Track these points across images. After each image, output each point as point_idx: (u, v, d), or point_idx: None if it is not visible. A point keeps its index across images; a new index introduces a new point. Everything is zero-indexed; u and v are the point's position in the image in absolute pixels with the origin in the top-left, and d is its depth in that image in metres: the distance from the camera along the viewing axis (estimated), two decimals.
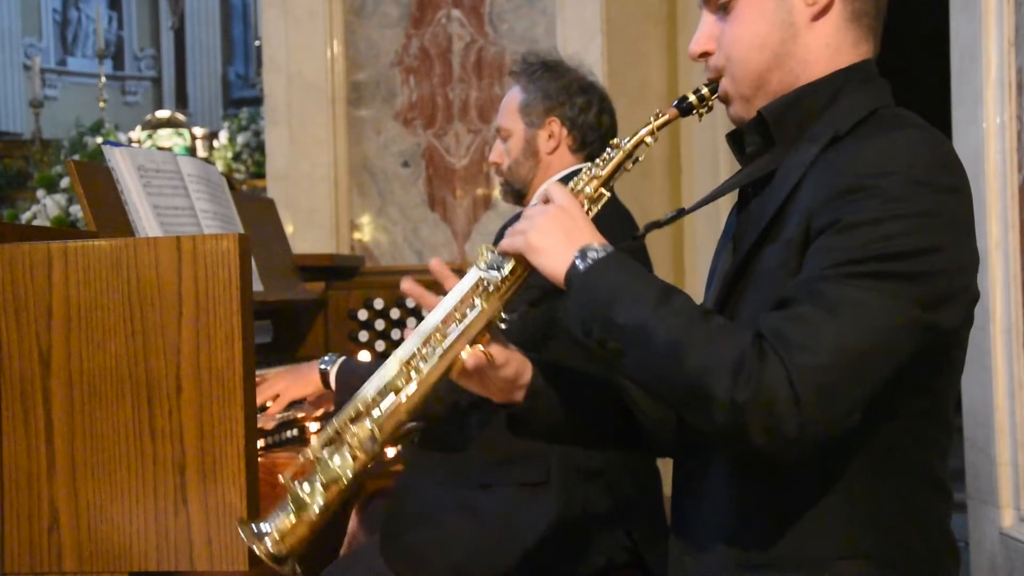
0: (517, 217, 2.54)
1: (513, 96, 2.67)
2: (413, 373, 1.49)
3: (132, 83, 13.22)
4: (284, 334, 3.13)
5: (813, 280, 1.35)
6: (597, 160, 1.57)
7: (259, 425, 2.49)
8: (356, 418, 1.49)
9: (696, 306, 1.39)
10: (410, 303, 3.28)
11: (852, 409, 1.34)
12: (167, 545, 1.82)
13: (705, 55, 1.58)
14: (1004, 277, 2.82)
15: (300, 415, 2.66)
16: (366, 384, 1.50)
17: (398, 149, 4.51)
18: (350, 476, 1.46)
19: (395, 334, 3.29)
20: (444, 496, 2.41)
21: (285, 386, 2.49)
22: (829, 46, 1.52)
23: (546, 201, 1.51)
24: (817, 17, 1.51)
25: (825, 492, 1.43)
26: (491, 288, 1.50)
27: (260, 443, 2.41)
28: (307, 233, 4.45)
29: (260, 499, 1.88)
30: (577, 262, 1.43)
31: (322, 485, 1.46)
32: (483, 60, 4.42)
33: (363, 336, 3.27)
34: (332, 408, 2.61)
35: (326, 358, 2.49)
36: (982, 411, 2.90)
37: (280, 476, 1.52)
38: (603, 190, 1.56)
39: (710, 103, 1.59)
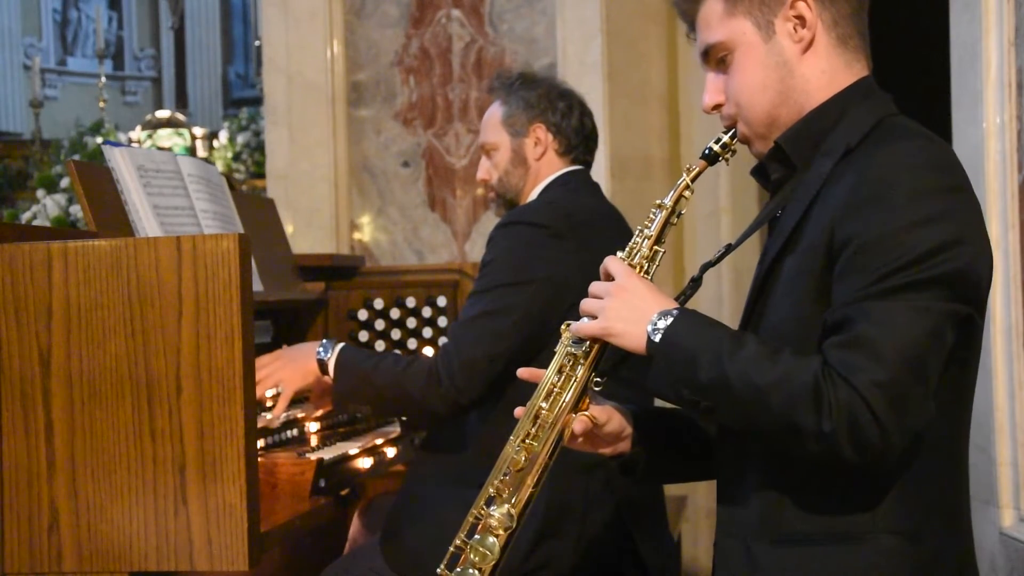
0: (511, 217, 2.57)
1: (494, 111, 2.71)
2: (530, 451, 1.68)
3: (132, 83, 13.20)
4: (284, 334, 3.13)
5: (858, 301, 1.49)
6: (645, 222, 1.72)
7: (266, 424, 2.49)
8: (491, 502, 1.68)
9: (764, 346, 1.53)
10: (410, 303, 3.28)
11: (923, 406, 1.48)
12: (167, 545, 1.82)
13: (718, 107, 1.74)
14: (1004, 277, 2.82)
15: (300, 415, 2.66)
16: (493, 470, 1.69)
17: (398, 149, 4.50)
18: (499, 554, 1.66)
19: (395, 334, 3.29)
20: (444, 496, 2.41)
21: (282, 377, 2.48)
22: (825, 72, 1.67)
23: (607, 277, 1.66)
24: (806, 50, 1.66)
25: (861, 470, 1.51)
26: (580, 359, 1.67)
27: (260, 443, 2.42)
28: (307, 233, 4.44)
29: (260, 499, 1.88)
30: (650, 333, 1.58)
31: (478, 570, 1.66)
32: (483, 60, 4.41)
33: (363, 336, 3.27)
34: (330, 405, 2.60)
35: (321, 347, 2.47)
36: (982, 411, 2.89)
37: (437, 571, 1.71)
38: (657, 247, 1.71)
39: (732, 147, 1.74)
